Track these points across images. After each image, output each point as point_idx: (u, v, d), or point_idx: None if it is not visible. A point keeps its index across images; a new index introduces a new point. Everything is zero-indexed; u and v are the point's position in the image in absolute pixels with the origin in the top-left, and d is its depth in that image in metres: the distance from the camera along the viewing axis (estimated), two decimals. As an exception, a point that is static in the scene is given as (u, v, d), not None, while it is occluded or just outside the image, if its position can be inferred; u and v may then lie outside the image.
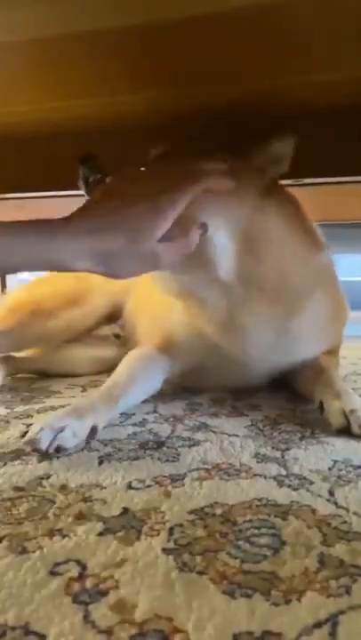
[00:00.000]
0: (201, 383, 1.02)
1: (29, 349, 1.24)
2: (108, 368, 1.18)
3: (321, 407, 0.77)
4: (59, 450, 0.65)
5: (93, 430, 0.69)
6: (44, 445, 0.64)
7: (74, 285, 1.25)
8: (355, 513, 0.50)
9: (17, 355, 1.22)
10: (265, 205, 0.78)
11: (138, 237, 0.58)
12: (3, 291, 1.94)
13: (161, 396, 0.98)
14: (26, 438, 0.66)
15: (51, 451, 0.64)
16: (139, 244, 0.58)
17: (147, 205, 0.59)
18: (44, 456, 0.65)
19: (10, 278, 1.98)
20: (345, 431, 0.71)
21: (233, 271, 0.78)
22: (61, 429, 0.66)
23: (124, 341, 1.24)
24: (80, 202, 0.62)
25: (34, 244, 0.56)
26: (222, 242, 0.75)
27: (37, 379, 1.19)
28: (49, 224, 0.58)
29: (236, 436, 0.73)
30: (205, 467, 0.62)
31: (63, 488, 0.56)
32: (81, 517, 0.50)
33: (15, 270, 0.59)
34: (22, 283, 1.60)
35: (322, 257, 0.88)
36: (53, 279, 1.32)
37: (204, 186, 0.64)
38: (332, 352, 0.99)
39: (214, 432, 0.75)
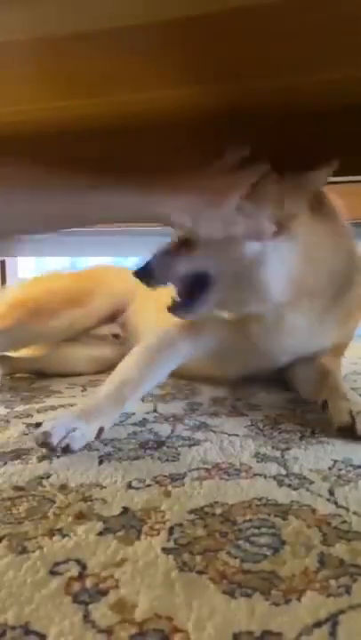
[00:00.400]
0: (216, 370, 1.04)
1: (27, 349, 1.24)
2: (107, 368, 1.18)
3: (324, 406, 0.77)
4: (66, 449, 0.65)
5: (100, 431, 0.70)
6: (55, 440, 0.65)
7: (76, 285, 1.25)
8: (355, 512, 0.50)
9: (14, 354, 1.22)
10: (315, 216, 0.82)
11: (219, 200, 0.68)
12: (2, 285, 1.93)
13: (161, 396, 0.98)
14: (39, 430, 0.67)
15: (60, 446, 0.65)
16: (219, 207, 0.68)
17: (227, 176, 0.71)
18: (51, 451, 0.65)
19: (10, 275, 1.98)
20: (346, 430, 0.71)
21: (289, 290, 0.82)
22: (73, 430, 0.67)
23: (123, 341, 1.24)
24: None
25: (137, 199, 0.65)
26: (284, 258, 0.79)
27: (37, 378, 1.19)
28: (151, 182, 0.67)
29: (236, 435, 0.73)
30: (205, 466, 0.62)
31: (63, 488, 0.56)
32: (81, 517, 0.50)
33: (113, 221, 0.69)
34: (22, 280, 1.60)
35: (357, 253, 0.90)
36: (53, 278, 1.32)
37: (262, 170, 0.74)
38: (339, 350, 1.00)
39: (214, 432, 0.75)
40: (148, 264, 0.81)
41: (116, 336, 1.26)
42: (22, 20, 0.59)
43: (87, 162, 0.85)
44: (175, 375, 1.12)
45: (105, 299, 1.24)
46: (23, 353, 1.24)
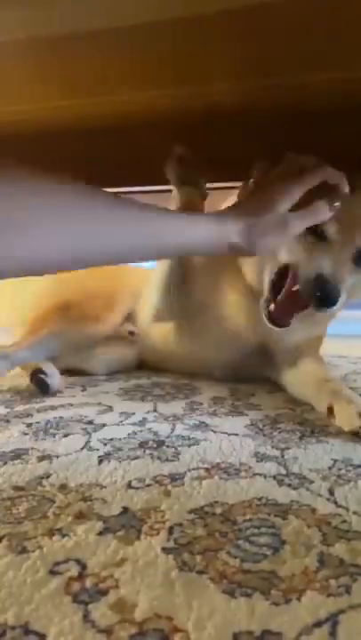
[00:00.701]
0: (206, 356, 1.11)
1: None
2: (127, 367, 1.27)
3: (330, 411, 0.77)
4: None
5: None
6: None
7: (108, 288, 1.25)
8: (354, 512, 0.50)
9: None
10: None
11: (270, 205, 0.64)
12: None
13: (161, 396, 0.98)
14: None
15: None
16: (271, 211, 0.64)
17: (279, 184, 0.66)
18: None
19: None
20: (358, 433, 0.71)
21: None
22: None
23: (137, 338, 1.26)
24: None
25: (209, 229, 0.62)
26: None
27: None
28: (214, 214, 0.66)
29: (236, 435, 0.73)
30: (205, 466, 0.62)
31: (63, 487, 0.56)
32: (81, 517, 0.49)
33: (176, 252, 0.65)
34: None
35: None
36: (80, 276, 1.32)
37: (323, 176, 0.69)
38: (317, 344, 1.04)
39: (214, 431, 0.75)
40: (334, 291, 0.77)
41: (132, 333, 1.27)
42: (22, 19, 0.59)
43: (88, 162, 0.86)
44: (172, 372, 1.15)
45: (127, 299, 1.25)
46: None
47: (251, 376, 1.09)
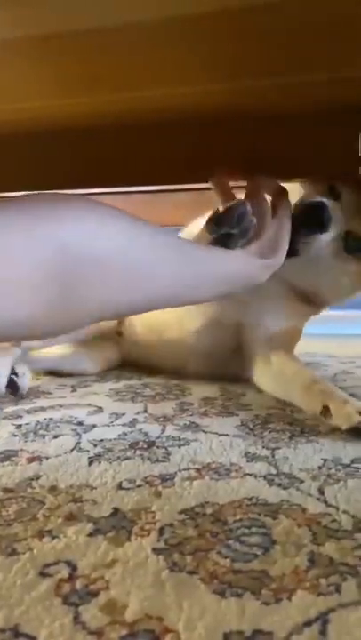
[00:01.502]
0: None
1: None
2: (115, 365, 1.29)
3: (325, 412, 0.77)
4: None
5: None
6: None
7: None
8: (344, 511, 0.50)
9: (39, 355, 1.21)
10: None
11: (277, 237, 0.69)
12: None
13: (151, 396, 0.98)
14: None
15: None
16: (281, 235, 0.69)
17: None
18: None
19: None
20: (357, 431, 0.71)
21: None
22: None
23: (124, 337, 1.28)
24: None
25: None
26: None
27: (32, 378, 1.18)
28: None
29: (226, 435, 0.73)
30: (195, 466, 0.62)
31: (53, 489, 0.56)
32: (71, 518, 0.49)
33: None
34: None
35: None
36: None
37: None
38: (293, 339, 1.06)
39: (204, 431, 0.75)
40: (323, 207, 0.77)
41: (119, 333, 1.29)
42: (21, 18, 0.59)
43: (85, 161, 0.86)
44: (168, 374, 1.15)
45: None
46: (45, 353, 1.23)
47: (231, 375, 1.10)
